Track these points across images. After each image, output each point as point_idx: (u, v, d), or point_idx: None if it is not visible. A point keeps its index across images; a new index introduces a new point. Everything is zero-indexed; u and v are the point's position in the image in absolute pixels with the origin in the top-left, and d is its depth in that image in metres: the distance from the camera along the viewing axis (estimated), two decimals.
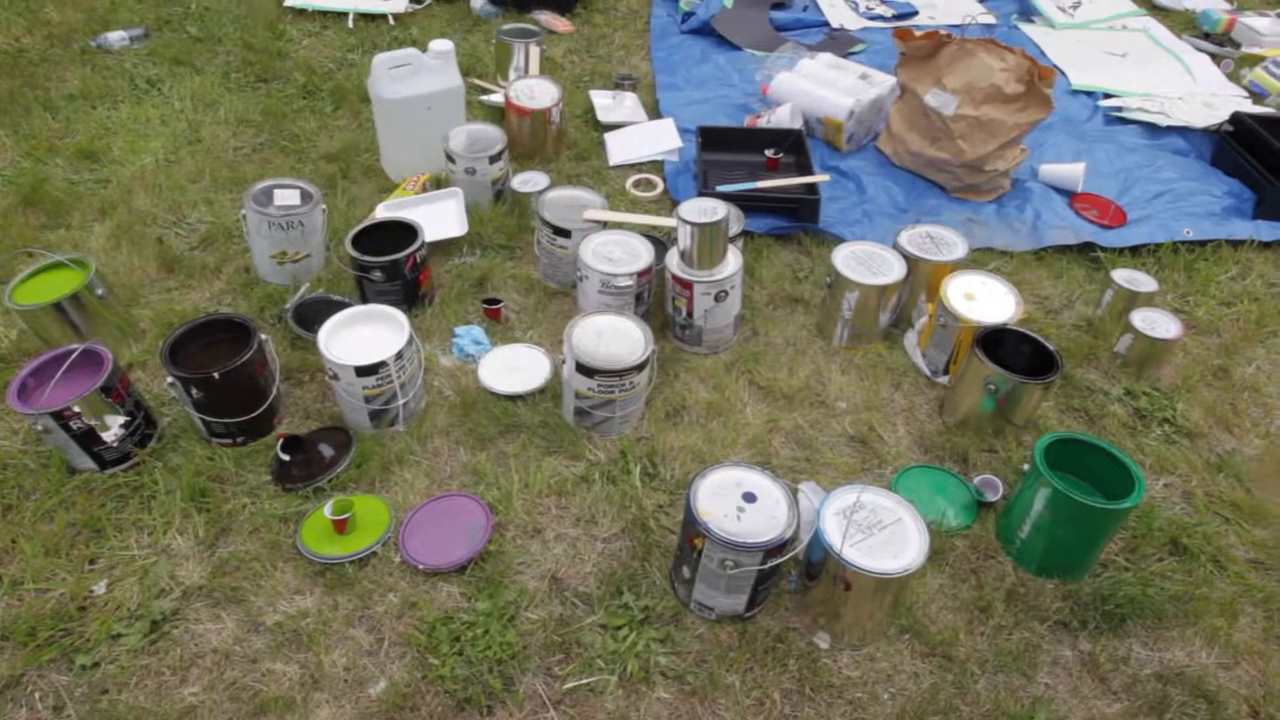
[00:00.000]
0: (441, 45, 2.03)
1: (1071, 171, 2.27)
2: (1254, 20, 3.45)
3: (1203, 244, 2.13)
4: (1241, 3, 3.86)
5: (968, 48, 2.10)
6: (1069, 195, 2.26)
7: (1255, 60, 3.17)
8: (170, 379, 1.42)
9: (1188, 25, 3.56)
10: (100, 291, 1.67)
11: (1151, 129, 2.64)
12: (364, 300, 1.75)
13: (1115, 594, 1.31)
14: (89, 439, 1.40)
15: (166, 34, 3.01)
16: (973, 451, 1.55)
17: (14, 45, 2.92)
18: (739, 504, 1.20)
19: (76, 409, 1.37)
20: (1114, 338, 1.81)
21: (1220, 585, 1.36)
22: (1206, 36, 3.44)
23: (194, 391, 1.42)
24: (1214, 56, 3.20)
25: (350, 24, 3.03)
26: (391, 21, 3.05)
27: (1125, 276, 1.86)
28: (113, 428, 1.42)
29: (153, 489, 1.42)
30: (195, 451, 1.48)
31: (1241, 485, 1.54)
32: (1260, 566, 1.40)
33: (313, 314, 1.71)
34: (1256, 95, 2.94)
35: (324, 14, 3.10)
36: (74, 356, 1.43)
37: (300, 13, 3.12)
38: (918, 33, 2.17)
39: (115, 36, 2.90)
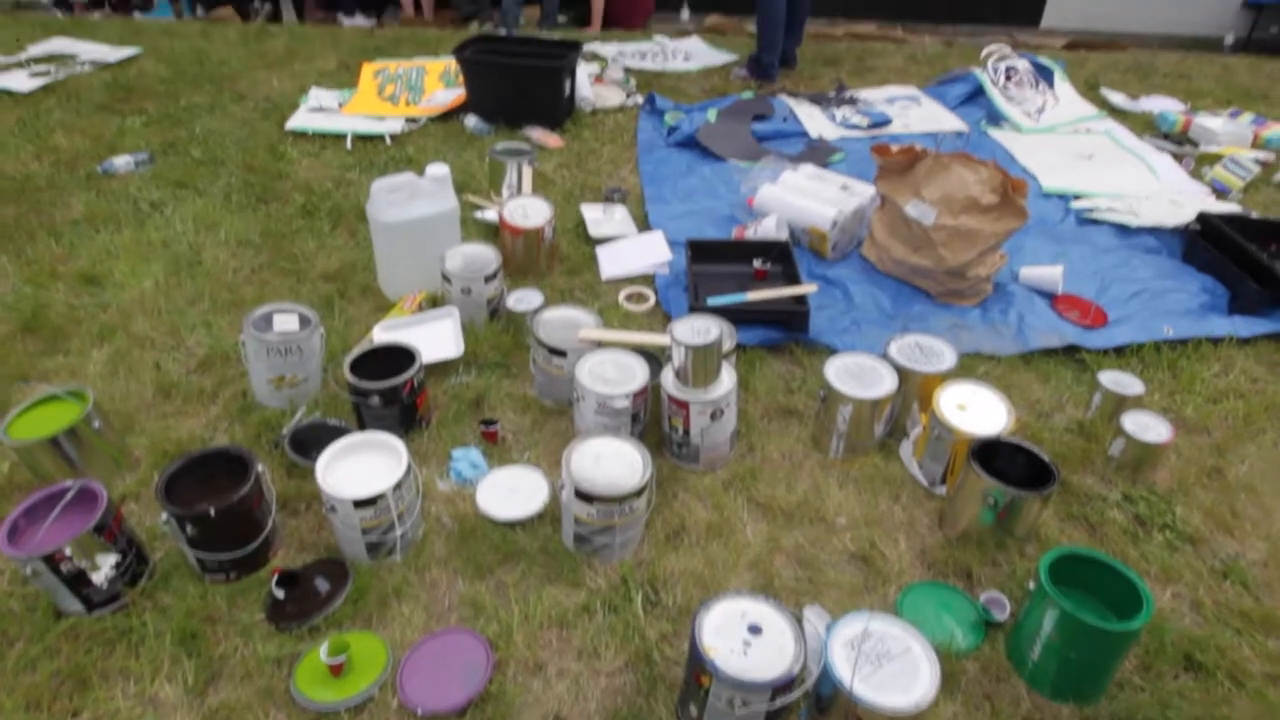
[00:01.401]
0: (437, 170, 2.12)
1: (1051, 274, 2.34)
2: (1208, 120, 3.64)
3: (1184, 342, 2.18)
4: (1195, 104, 4.08)
5: (943, 161, 2.20)
6: (1050, 297, 2.33)
7: (1214, 158, 3.33)
8: (165, 516, 1.40)
9: (1147, 127, 3.74)
10: (97, 424, 1.67)
11: (1123, 229, 2.74)
12: (361, 425, 1.76)
13: (1134, 717, 1.27)
14: (78, 581, 1.37)
15: (171, 157, 3.11)
16: (976, 566, 1.54)
17: (22, 172, 3.01)
18: (745, 637, 1.18)
19: (68, 551, 1.34)
20: (1106, 441, 1.82)
21: (1240, 704, 1.33)
22: (1166, 137, 3.62)
23: (189, 528, 1.41)
24: (1175, 156, 3.36)
25: (349, 145, 3.15)
26: (388, 141, 3.18)
27: (1112, 379, 1.90)
28: (104, 568, 1.39)
29: (141, 632, 1.38)
30: (187, 590, 1.45)
31: (1249, 592, 1.53)
32: (1278, 683, 1.37)
33: (310, 439, 1.71)
34: (1219, 192, 3.07)
35: (323, 136, 3.23)
36: (69, 496, 1.42)
37: (300, 135, 3.25)
38: (894, 147, 2.28)
39: (121, 161, 3.00)
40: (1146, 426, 1.77)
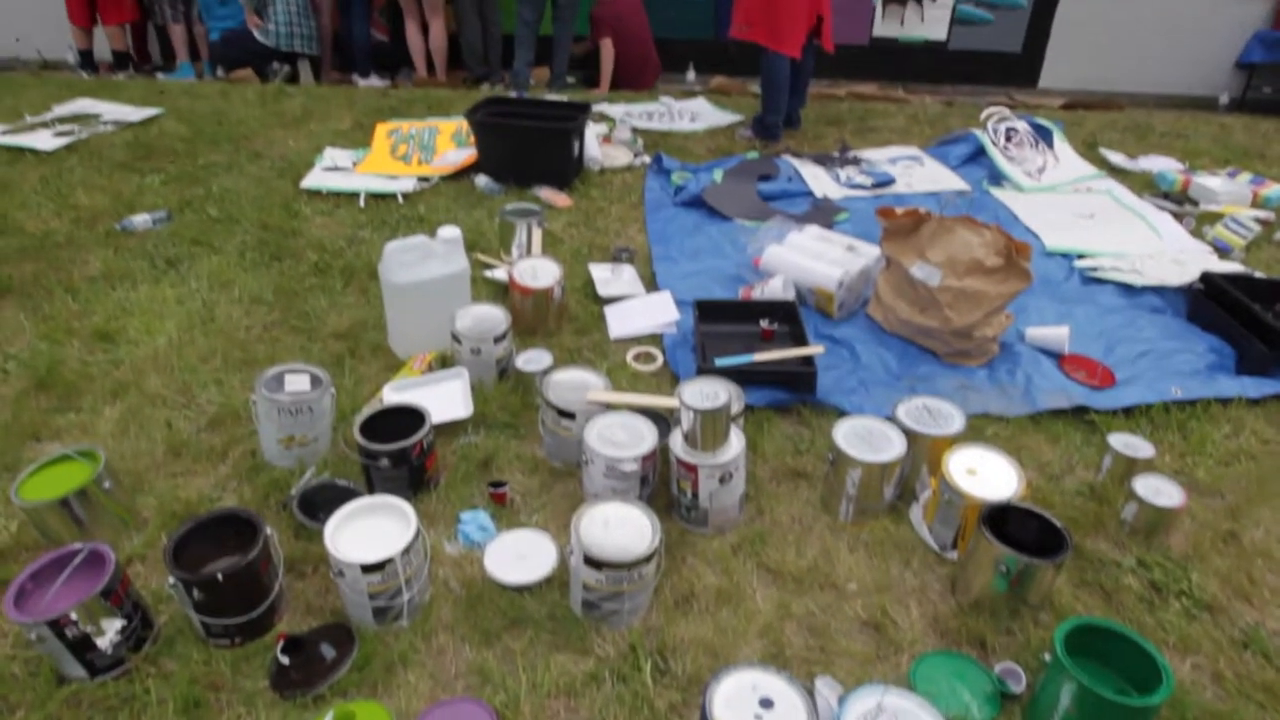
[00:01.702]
0: (449, 232, 2.16)
1: (1057, 335, 2.35)
2: (1207, 180, 3.70)
3: (1193, 403, 2.18)
4: (1193, 163, 4.15)
5: (947, 224, 2.23)
6: (1057, 357, 2.33)
7: (1214, 217, 3.37)
8: (172, 581, 1.39)
9: (1147, 185, 3.80)
10: (107, 484, 1.67)
11: (1128, 288, 2.76)
12: (370, 486, 1.76)
13: None
14: (83, 646, 1.36)
15: (188, 215, 3.18)
16: (990, 634, 1.52)
17: (42, 229, 3.07)
18: (756, 711, 1.16)
19: (74, 616, 1.34)
20: (1118, 505, 1.81)
21: None
22: (1166, 196, 3.66)
23: (195, 593, 1.40)
24: (1176, 215, 3.40)
25: (361, 203, 3.21)
26: (400, 200, 3.24)
27: (1122, 441, 1.89)
28: (109, 633, 1.38)
29: (144, 700, 1.36)
30: (191, 655, 1.44)
31: (1271, 664, 1.50)
32: None
33: (318, 500, 1.71)
34: (1221, 251, 3.10)
35: (337, 194, 3.30)
36: (77, 560, 1.41)
37: (315, 194, 3.32)
38: (899, 210, 2.31)
39: (139, 219, 3.06)
40: (1158, 491, 1.75)
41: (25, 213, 3.19)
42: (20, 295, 2.63)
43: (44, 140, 3.96)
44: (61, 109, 4.50)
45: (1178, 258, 2.97)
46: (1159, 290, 2.73)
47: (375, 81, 5.65)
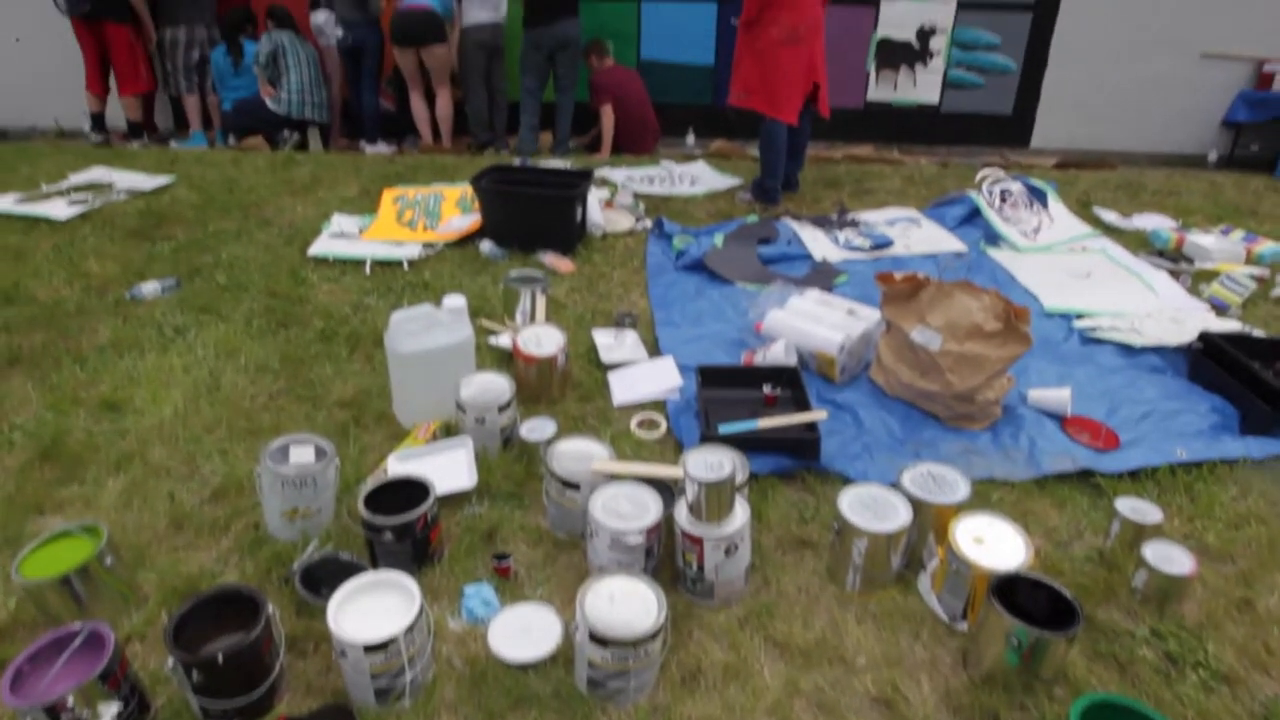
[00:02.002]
0: (454, 302, 2.19)
1: (1059, 397, 2.36)
2: (1200, 238, 3.75)
3: (1198, 464, 2.17)
4: (1186, 221, 4.21)
5: (945, 289, 2.26)
6: (1060, 419, 2.34)
7: (1210, 275, 3.40)
8: (171, 663, 1.38)
9: (1141, 244, 3.85)
10: (109, 561, 1.66)
11: (1127, 348, 2.77)
12: (374, 559, 1.75)
13: None
14: None
15: (197, 283, 3.23)
16: (1003, 710, 1.49)
17: (53, 298, 3.11)
18: None
19: (70, 701, 1.32)
20: (1129, 571, 1.79)
21: None
22: (1161, 254, 3.71)
23: (195, 675, 1.38)
24: (1172, 273, 3.43)
25: (368, 270, 3.26)
26: (406, 267, 3.30)
27: (1129, 506, 1.88)
28: (105, 717, 1.36)
29: None
30: None
31: None
32: None
33: (321, 575, 1.69)
34: (1219, 309, 3.12)
35: (344, 261, 3.35)
36: (76, 642, 1.40)
37: (322, 261, 3.38)
38: (898, 275, 2.35)
39: (149, 288, 3.11)
40: (1169, 558, 1.74)
41: (37, 281, 3.25)
42: (29, 364, 2.65)
43: (59, 209, 4.04)
44: (77, 178, 4.61)
45: (1176, 316, 2.99)
46: (1159, 350, 2.75)
47: (382, 148, 5.79)
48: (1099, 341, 2.83)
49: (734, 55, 4.03)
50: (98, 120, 5.99)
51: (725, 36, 6.04)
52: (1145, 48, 6.38)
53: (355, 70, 5.83)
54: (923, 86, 6.35)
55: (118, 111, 6.02)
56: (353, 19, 5.57)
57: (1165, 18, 6.31)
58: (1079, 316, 3.00)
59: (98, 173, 4.73)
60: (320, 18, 5.79)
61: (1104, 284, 3.32)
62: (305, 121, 5.76)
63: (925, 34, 6.21)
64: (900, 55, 6.22)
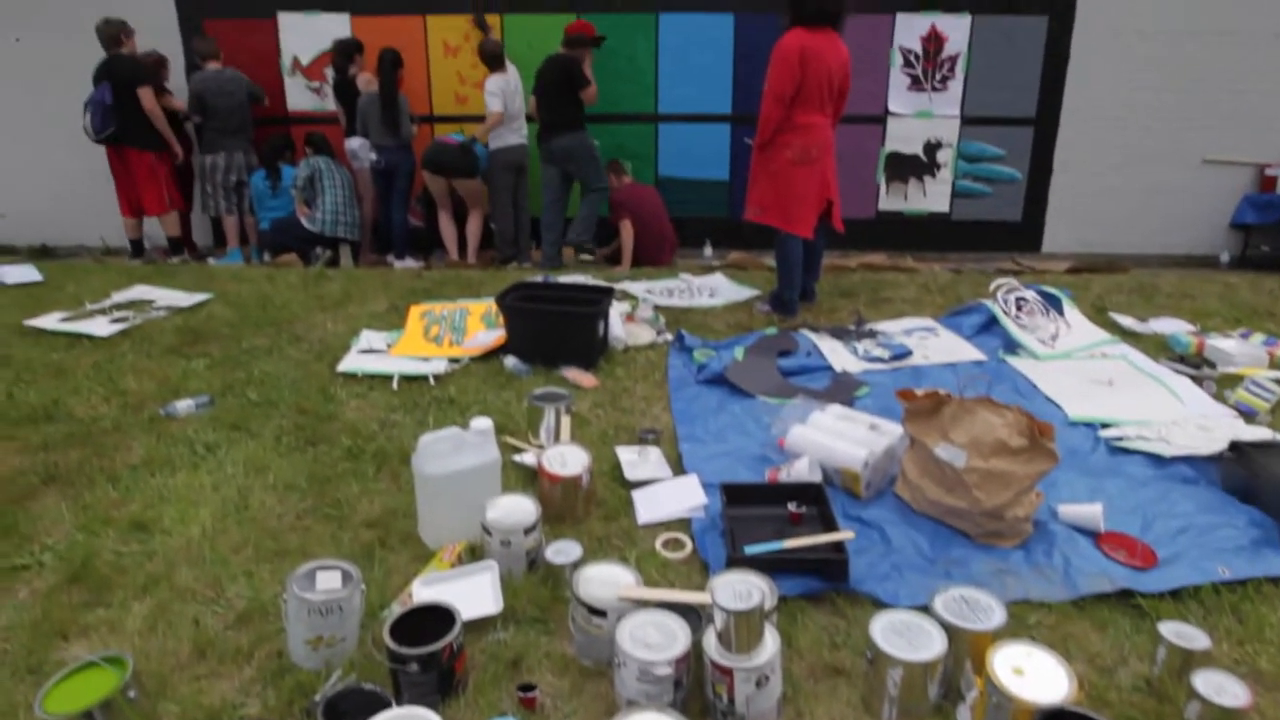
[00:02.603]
0: (481, 424, 2.23)
1: (1091, 513, 2.32)
2: (1220, 341, 3.75)
3: (1242, 582, 2.10)
4: (1204, 324, 4.23)
5: (967, 406, 2.28)
6: (1093, 535, 2.29)
7: (1234, 380, 3.39)
8: None
9: (1161, 349, 3.86)
10: (132, 694, 1.64)
11: (1157, 458, 2.74)
12: (397, 690, 1.72)
13: None
14: None
15: (229, 399, 3.30)
16: None
17: (91, 415, 3.20)
18: None
19: None
20: (1180, 702, 1.71)
21: None
22: (1182, 359, 3.71)
23: None
24: (1194, 378, 3.42)
25: (395, 386, 3.34)
26: (432, 382, 3.37)
27: (1174, 631, 1.82)
28: None
29: None
30: None
31: None
32: None
33: (343, 707, 1.66)
34: (1246, 415, 3.09)
35: (371, 377, 3.44)
36: None
37: (350, 376, 3.46)
38: (919, 391, 2.37)
39: (183, 405, 3.19)
40: (1221, 688, 1.66)
41: (77, 398, 3.34)
42: (64, 483, 2.70)
43: (100, 326, 4.20)
44: (119, 295, 4.80)
45: (1203, 423, 2.96)
46: (1188, 459, 2.71)
47: (410, 263, 6.02)
48: (1127, 451, 2.80)
49: (749, 175, 4.21)
50: (136, 246, 6.29)
51: (739, 153, 6.34)
52: (1147, 156, 6.60)
53: (387, 189, 6.14)
54: (932, 196, 6.57)
55: (155, 232, 6.34)
56: (386, 144, 5.91)
57: (1164, 128, 6.55)
58: (1104, 425, 2.98)
59: (139, 290, 4.93)
60: (355, 143, 6.16)
61: (1127, 391, 3.32)
62: (337, 239, 6.03)
63: (932, 147, 6.47)
64: (909, 168, 6.46)
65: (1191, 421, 2.99)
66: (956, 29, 6.25)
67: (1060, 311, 4.02)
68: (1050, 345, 3.76)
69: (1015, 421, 2.20)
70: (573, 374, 3.34)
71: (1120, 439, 2.87)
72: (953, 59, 6.31)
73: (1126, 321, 4.24)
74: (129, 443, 2.96)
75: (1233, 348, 3.67)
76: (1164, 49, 6.34)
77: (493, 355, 3.62)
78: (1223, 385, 3.36)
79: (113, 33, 5.72)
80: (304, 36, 6.51)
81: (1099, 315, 4.32)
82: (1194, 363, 3.66)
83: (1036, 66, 6.36)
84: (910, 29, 6.25)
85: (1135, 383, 3.41)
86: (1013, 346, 3.74)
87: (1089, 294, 4.83)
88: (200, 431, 3.02)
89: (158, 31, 6.39)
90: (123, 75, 5.73)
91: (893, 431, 2.55)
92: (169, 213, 6.17)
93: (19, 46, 6.72)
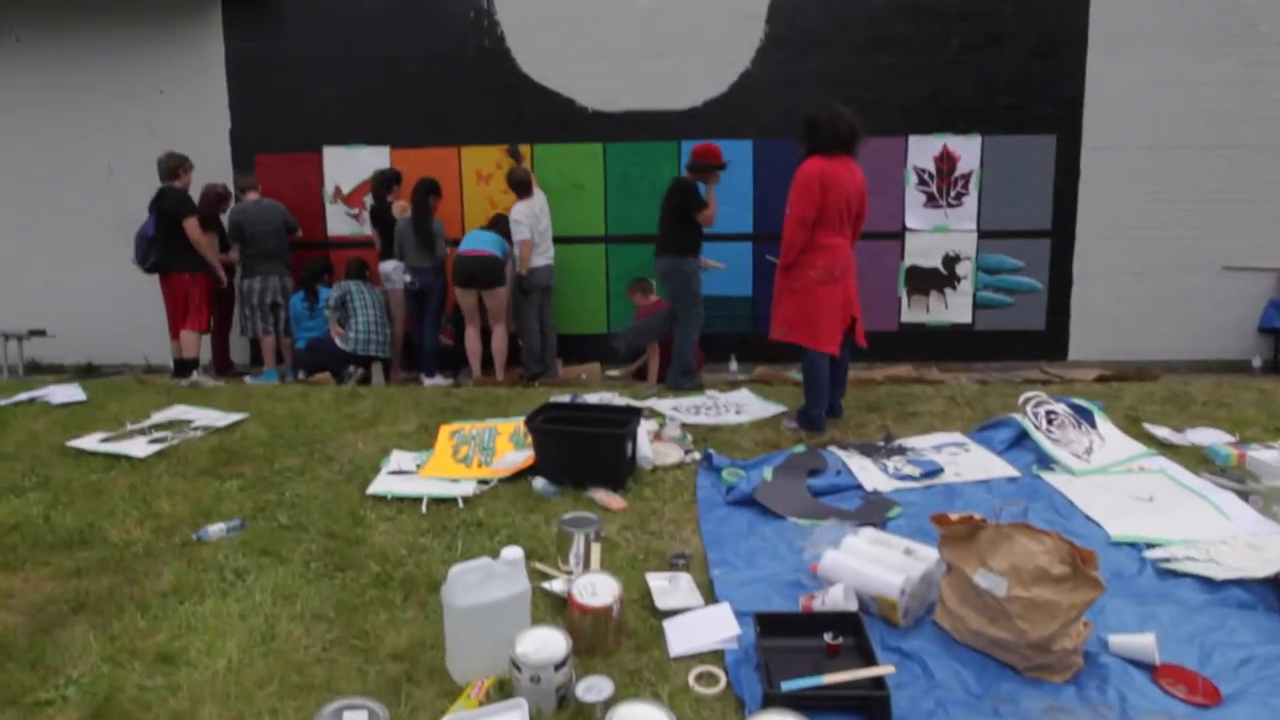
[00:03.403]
0: (512, 553, 2.22)
1: (1144, 644, 2.21)
2: (1262, 453, 3.66)
3: None
4: (1243, 435, 4.14)
5: (1004, 531, 2.23)
6: (1149, 668, 2.18)
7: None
8: None
9: (1200, 461, 3.77)
10: None
11: (1208, 581, 2.63)
12: None
13: None
14: None
15: (260, 522, 3.32)
16: None
17: (124, 539, 3.22)
18: None
19: None
20: None
21: None
22: (1223, 472, 3.62)
23: None
24: (1239, 493, 3.32)
25: (423, 509, 3.34)
26: (460, 504, 3.37)
27: None
28: None
29: None
30: None
31: None
32: None
33: None
34: None
35: (400, 499, 3.45)
36: None
37: (380, 499, 3.48)
38: (953, 516, 2.33)
39: (215, 529, 3.21)
40: None
41: (111, 521, 3.38)
42: (93, 611, 2.70)
43: (139, 447, 4.29)
44: (159, 416, 4.93)
45: (1254, 542, 2.86)
46: (1242, 582, 2.60)
47: (440, 380, 6.15)
48: (1176, 574, 2.70)
49: (774, 295, 4.33)
50: (179, 366, 6.50)
51: (761, 269, 6.51)
52: (1166, 265, 6.67)
53: (419, 309, 6.36)
54: (954, 308, 6.65)
55: (206, 352, 6.57)
56: (422, 266, 6.17)
57: (1180, 238, 6.65)
58: (1149, 546, 2.89)
59: (178, 410, 5.06)
60: (388, 266, 6.44)
61: (1170, 508, 3.22)
62: (370, 357, 6.20)
63: (951, 260, 6.60)
64: (929, 281, 6.58)
65: (1241, 540, 2.89)
66: (967, 149, 6.50)
67: (1093, 424, 3.97)
68: (1085, 460, 3.70)
69: (1055, 548, 2.15)
70: (601, 496, 3.33)
71: (1167, 560, 2.77)
72: (966, 176, 6.53)
73: (1162, 433, 4.17)
74: (160, 568, 2.97)
75: (1275, 459, 3.58)
76: (1173, 163, 6.53)
77: (521, 476, 3.63)
78: (1269, 500, 3.26)
79: (172, 166, 6.13)
80: (346, 167, 6.94)
81: (1133, 427, 4.26)
82: (1236, 476, 3.57)
83: (1048, 181, 6.56)
84: (923, 150, 6.51)
85: (1177, 498, 3.32)
86: (1047, 462, 3.68)
87: (1121, 404, 4.77)
88: (230, 557, 3.02)
89: (217, 166, 6.86)
90: (167, 207, 6.09)
91: (929, 556, 2.49)
92: (190, 332, 6.31)
93: (65, 181, 7.23)
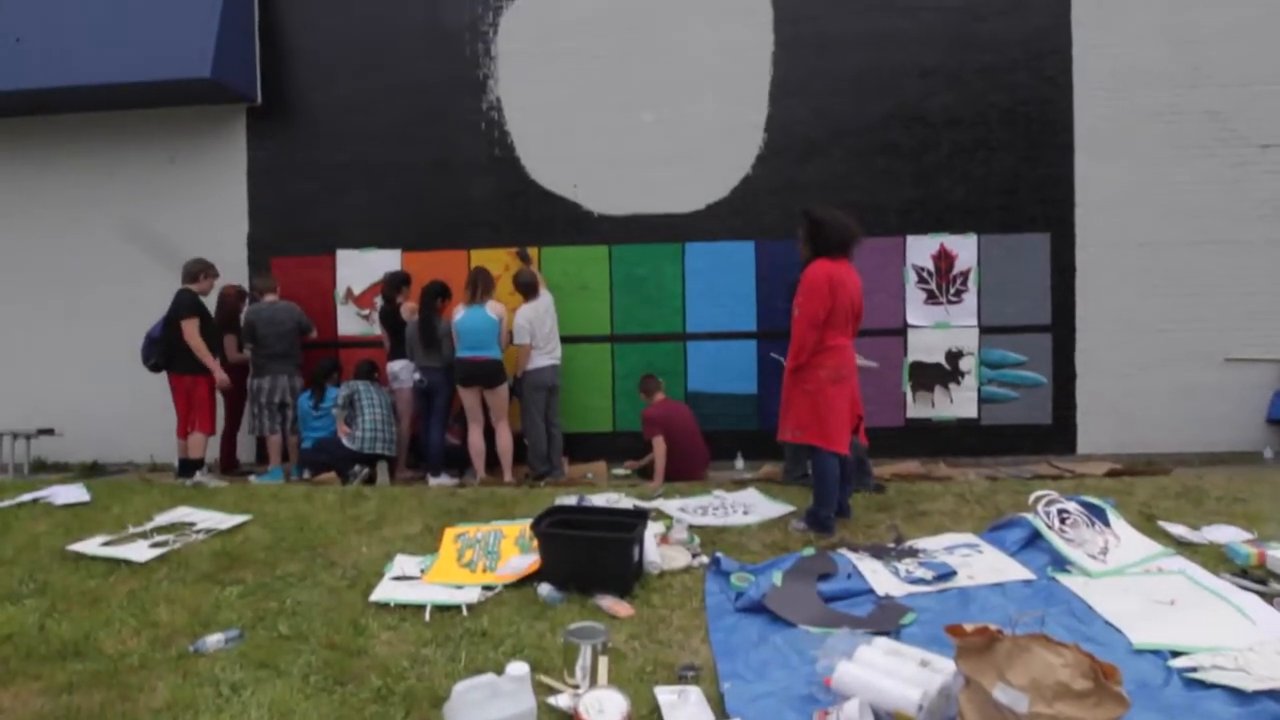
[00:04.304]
0: (517, 669, 2.16)
1: None
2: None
3: None
4: (1261, 532, 4.06)
5: (1021, 643, 2.17)
6: None
7: None
8: None
9: (1220, 560, 3.68)
10: None
11: (1239, 693, 2.53)
12: None
13: None
14: None
15: (260, 632, 3.25)
16: None
17: (119, 650, 3.15)
18: None
19: None
20: None
21: None
22: (1244, 573, 3.53)
23: None
24: (1263, 595, 3.23)
25: (427, 617, 3.27)
26: (465, 612, 3.30)
27: None
28: None
29: None
30: None
31: None
32: None
33: None
34: None
35: (404, 606, 3.38)
36: None
37: (383, 606, 3.41)
38: (968, 627, 2.27)
39: (212, 640, 3.13)
40: None
41: (107, 631, 3.31)
42: None
43: (139, 551, 4.24)
44: (161, 518, 4.88)
45: None
46: (1274, 694, 2.50)
47: (445, 480, 6.12)
48: (1204, 685, 2.60)
49: (783, 396, 4.37)
50: (184, 466, 6.47)
51: (766, 367, 6.57)
52: (1168, 358, 6.71)
53: (427, 407, 6.39)
54: (959, 402, 6.66)
55: (213, 451, 6.56)
56: (430, 366, 6.24)
57: (1180, 331, 6.72)
58: (1174, 654, 2.79)
59: (181, 512, 5.02)
60: (396, 365, 6.53)
61: (1192, 612, 3.13)
62: (376, 455, 6.19)
63: (954, 356, 6.66)
64: (933, 376, 6.62)
65: (1270, 647, 2.79)
66: (964, 247, 6.67)
67: (1106, 522, 3.91)
68: (1102, 560, 3.62)
69: (1076, 662, 2.09)
70: (608, 603, 3.26)
71: (1194, 670, 2.68)
72: (964, 273, 6.67)
73: (1178, 530, 4.09)
74: (154, 682, 2.89)
75: None
76: (1166, 258, 6.67)
77: (527, 581, 3.56)
78: None
79: (193, 270, 6.31)
80: (358, 269, 7.13)
81: (1148, 524, 4.18)
82: (1257, 576, 3.48)
83: (1045, 277, 6.69)
84: (921, 249, 6.68)
85: (1199, 601, 3.23)
86: (1062, 563, 3.60)
87: (1134, 500, 4.70)
88: (227, 669, 2.94)
89: (234, 269, 7.06)
90: (175, 308, 6.22)
91: (946, 668, 2.42)
92: (194, 434, 6.30)
93: (80, 291, 7.42)
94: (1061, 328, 6.72)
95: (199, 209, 7.32)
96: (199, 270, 6.31)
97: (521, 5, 7.00)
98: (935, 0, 6.71)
